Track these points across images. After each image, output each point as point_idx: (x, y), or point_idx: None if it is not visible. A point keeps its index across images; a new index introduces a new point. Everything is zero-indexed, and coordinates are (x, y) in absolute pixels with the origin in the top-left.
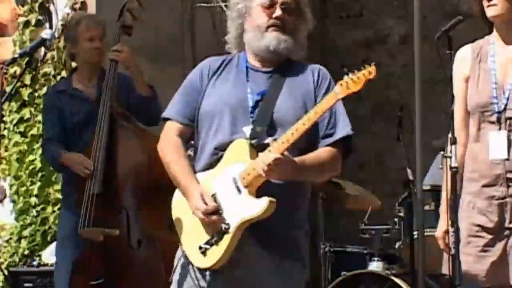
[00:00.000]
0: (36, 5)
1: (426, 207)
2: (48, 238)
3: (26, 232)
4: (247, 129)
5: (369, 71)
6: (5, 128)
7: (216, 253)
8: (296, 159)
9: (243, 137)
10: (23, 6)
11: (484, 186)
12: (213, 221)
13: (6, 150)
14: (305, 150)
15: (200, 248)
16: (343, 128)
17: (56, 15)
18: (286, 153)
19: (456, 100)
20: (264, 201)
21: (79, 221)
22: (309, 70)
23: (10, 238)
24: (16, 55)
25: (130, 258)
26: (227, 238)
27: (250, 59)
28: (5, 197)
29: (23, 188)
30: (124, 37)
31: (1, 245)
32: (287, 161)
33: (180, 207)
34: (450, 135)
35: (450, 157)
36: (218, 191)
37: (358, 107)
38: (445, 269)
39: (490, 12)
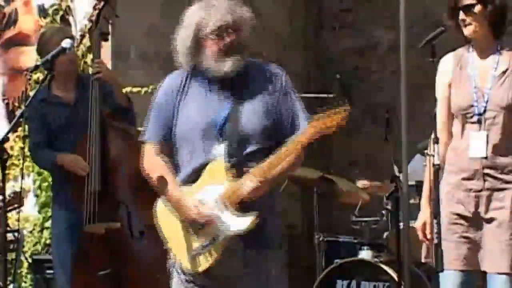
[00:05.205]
0: (57, 17)
1: (411, 201)
2: None
3: (48, 223)
4: (220, 149)
5: (341, 112)
6: None
7: (207, 260)
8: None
9: (218, 158)
10: (45, 18)
11: (463, 179)
12: (210, 220)
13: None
14: (274, 148)
15: (192, 254)
16: (304, 122)
17: (75, 26)
18: (267, 175)
19: (439, 104)
20: (249, 220)
21: (74, 218)
22: (263, 71)
23: (33, 229)
24: (39, 63)
25: (134, 249)
26: (217, 246)
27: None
28: (22, 204)
29: (45, 184)
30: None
31: (25, 235)
32: (267, 183)
33: (167, 217)
34: (433, 135)
35: (433, 155)
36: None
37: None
38: (424, 258)
39: (466, 31)
